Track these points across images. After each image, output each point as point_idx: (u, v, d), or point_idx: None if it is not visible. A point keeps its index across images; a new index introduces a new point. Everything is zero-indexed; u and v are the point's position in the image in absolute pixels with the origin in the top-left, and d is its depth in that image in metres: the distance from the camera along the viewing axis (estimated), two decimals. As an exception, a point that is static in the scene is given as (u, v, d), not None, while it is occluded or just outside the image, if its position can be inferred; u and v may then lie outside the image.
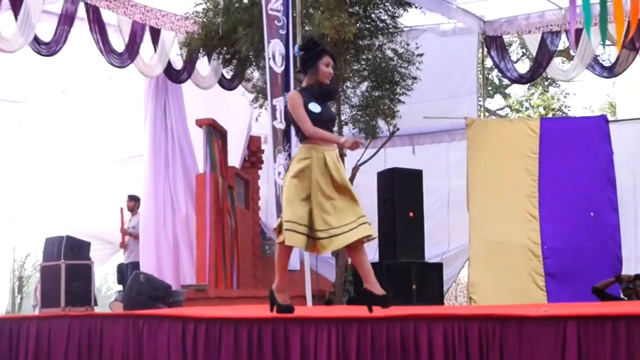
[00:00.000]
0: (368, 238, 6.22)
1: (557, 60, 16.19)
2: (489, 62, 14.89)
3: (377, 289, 6.09)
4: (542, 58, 13.37)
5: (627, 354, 4.68)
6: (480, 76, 14.46)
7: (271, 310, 6.37)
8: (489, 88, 26.38)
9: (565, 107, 28.93)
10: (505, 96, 29.36)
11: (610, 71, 13.13)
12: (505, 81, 24.41)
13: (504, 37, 13.94)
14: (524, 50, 25.46)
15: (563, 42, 16.08)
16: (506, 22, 13.62)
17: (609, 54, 17.73)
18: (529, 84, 25.17)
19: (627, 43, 11.84)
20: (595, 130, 11.55)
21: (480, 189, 11.43)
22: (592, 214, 11.14)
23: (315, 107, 6.25)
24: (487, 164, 11.47)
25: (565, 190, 11.28)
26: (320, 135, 6.20)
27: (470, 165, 11.54)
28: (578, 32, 12.33)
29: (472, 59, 14.20)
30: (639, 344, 4.65)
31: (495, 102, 29.22)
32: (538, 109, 28.24)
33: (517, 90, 29.35)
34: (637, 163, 12.56)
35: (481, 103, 14.50)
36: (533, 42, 13.48)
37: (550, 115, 27.00)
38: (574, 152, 11.42)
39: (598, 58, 13.27)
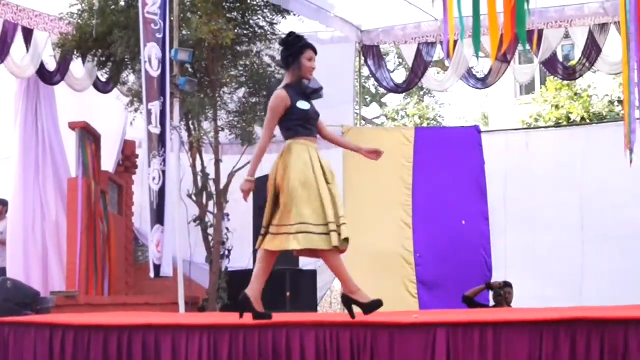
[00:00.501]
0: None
1: (432, 70, 16.44)
2: (365, 71, 15.03)
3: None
4: (418, 68, 13.53)
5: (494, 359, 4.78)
6: (357, 85, 14.58)
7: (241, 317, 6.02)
8: (366, 97, 26.71)
9: (439, 117, 29.62)
10: (382, 105, 29.80)
11: (484, 82, 13.40)
12: (382, 90, 24.73)
13: (380, 46, 14.06)
14: (400, 60, 25.91)
15: (438, 54, 16.37)
16: (383, 32, 13.74)
17: (482, 66, 18.15)
18: (404, 94, 25.57)
19: (500, 56, 12.11)
20: (468, 140, 11.79)
21: (356, 197, 11.51)
22: (463, 222, 11.36)
23: (304, 105, 6.19)
24: (363, 172, 11.54)
25: (438, 199, 11.46)
26: (256, 156, 6.28)
27: (346, 173, 11.60)
28: (453, 44, 12.54)
29: (350, 68, 14.27)
30: (505, 350, 4.76)
31: (372, 111, 29.63)
32: (413, 118, 28.75)
33: (393, 100, 29.84)
34: (508, 173, 12.84)
35: (358, 111, 14.61)
36: (409, 53, 13.63)
37: (425, 125, 27.51)
38: (447, 162, 11.62)
39: (472, 70, 13.55)
